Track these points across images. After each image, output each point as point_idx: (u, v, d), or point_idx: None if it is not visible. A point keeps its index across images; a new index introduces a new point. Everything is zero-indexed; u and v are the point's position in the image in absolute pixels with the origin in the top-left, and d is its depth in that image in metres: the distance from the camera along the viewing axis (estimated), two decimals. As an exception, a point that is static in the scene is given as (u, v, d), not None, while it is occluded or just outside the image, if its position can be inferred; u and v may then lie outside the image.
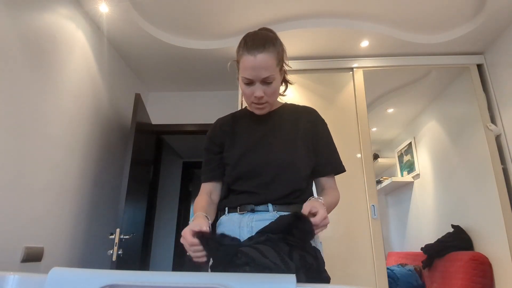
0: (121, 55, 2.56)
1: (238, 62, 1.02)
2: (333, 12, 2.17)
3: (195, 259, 0.82)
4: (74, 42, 2.00)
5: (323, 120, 1.10)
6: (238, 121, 1.12)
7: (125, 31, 2.28)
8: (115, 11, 2.10)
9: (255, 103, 1.02)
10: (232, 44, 2.41)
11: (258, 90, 0.97)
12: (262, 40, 0.96)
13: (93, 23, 2.20)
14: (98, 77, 2.27)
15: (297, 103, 1.17)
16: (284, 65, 1.05)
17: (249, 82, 0.97)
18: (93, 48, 2.21)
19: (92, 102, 2.20)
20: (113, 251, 1.91)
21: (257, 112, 1.05)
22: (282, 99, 1.15)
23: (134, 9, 2.14)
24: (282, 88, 1.10)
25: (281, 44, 1.04)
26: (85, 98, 2.12)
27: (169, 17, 2.22)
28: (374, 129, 3.47)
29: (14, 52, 1.55)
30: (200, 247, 0.81)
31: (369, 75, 2.51)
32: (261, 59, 0.93)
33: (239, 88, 2.54)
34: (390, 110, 3.16)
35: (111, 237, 1.95)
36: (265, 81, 0.96)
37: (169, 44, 2.40)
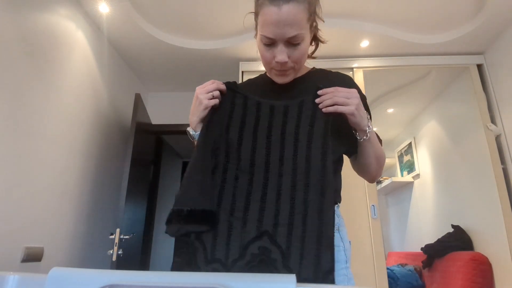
0: (121, 55, 2.55)
1: (256, 15, 0.80)
2: (333, 12, 2.17)
3: (208, 98, 0.77)
4: (74, 42, 2.00)
5: (359, 90, 0.88)
6: (254, 91, 0.91)
7: (125, 31, 2.28)
8: (115, 11, 2.10)
9: (276, 70, 0.83)
10: (232, 44, 2.41)
11: (281, 54, 0.77)
12: None
13: (93, 23, 2.20)
14: (98, 77, 2.27)
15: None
16: (316, 19, 0.85)
17: (270, 43, 0.77)
18: (93, 48, 2.21)
19: (92, 102, 2.20)
20: (113, 251, 1.91)
21: (278, 80, 0.86)
22: (308, 63, 0.96)
23: (134, 9, 2.14)
24: (311, 48, 0.91)
25: None
26: (85, 98, 2.12)
27: (169, 17, 2.22)
28: (374, 129, 3.46)
29: (14, 52, 1.55)
30: (217, 92, 0.78)
31: (369, 75, 2.51)
32: (288, 12, 0.71)
33: (239, 78, 2.56)
34: (390, 110, 3.17)
35: (111, 237, 1.95)
36: (291, 42, 0.76)
37: (169, 44, 2.40)
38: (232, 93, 0.84)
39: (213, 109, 0.81)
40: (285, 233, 0.72)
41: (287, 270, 0.68)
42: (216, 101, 0.79)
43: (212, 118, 0.82)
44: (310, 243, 0.71)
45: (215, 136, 0.81)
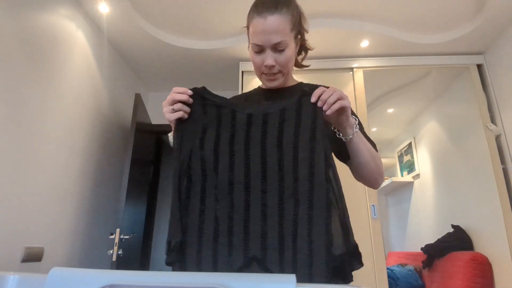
0: (121, 55, 2.55)
1: (248, 28, 0.92)
2: (333, 12, 2.17)
3: (170, 112, 0.75)
4: (74, 42, 2.00)
5: None
6: (249, 101, 1.00)
7: (125, 31, 2.28)
8: (115, 11, 2.10)
9: (266, 74, 0.91)
10: (232, 44, 2.41)
11: (269, 58, 0.86)
12: (274, 1, 0.85)
13: (93, 23, 2.20)
14: (98, 77, 2.27)
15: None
16: (302, 30, 0.95)
17: (259, 50, 0.87)
18: (93, 48, 2.21)
19: (92, 102, 2.20)
20: (113, 251, 1.91)
21: (268, 84, 0.93)
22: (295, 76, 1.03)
23: (134, 9, 2.14)
24: (301, 57, 1.00)
25: (297, 7, 0.94)
26: (85, 98, 2.12)
27: (169, 17, 2.22)
28: (374, 129, 3.47)
29: (14, 52, 1.55)
30: (186, 97, 0.74)
31: (369, 75, 2.52)
32: (272, 22, 0.83)
33: (239, 87, 2.56)
34: (390, 110, 3.17)
35: (111, 237, 1.95)
36: (277, 48, 0.85)
37: (169, 44, 2.40)
38: (203, 101, 0.78)
39: (182, 121, 0.76)
40: (276, 257, 0.67)
41: None
42: (179, 114, 0.75)
43: (182, 132, 0.76)
44: (301, 266, 0.66)
45: (188, 151, 0.75)
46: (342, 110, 0.76)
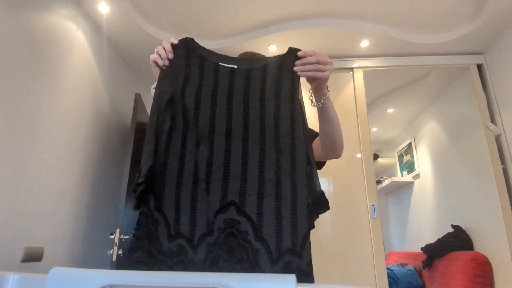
0: (121, 55, 2.55)
1: None
2: (333, 12, 2.17)
3: (156, 58, 0.80)
4: (74, 42, 2.00)
5: None
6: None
7: (125, 31, 2.28)
8: (115, 11, 2.10)
9: None
10: (232, 44, 2.41)
11: None
12: None
13: (93, 23, 2.20)
14: (98, 77, 2.27)
15: None
16: None
17: None
18: (93, 48, 2.21)
19: (92, 102, 2.20)
20: (113, 251, 1.91)
21: None
22: None
23: (134, 9, 2.14)
24: None
25: None
26: (85, 98, 2.12)
27: (169, 17, 2.22)
28: (374, 129, 3.47)
29: (14, 52, 1.55)
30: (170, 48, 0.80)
31: (369, 75, 2.51)
32: None
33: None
34: (390, 110, 3.17)
35: (111, 237, 1.95)
36: None
37: (169, 44, 2.40)
38: (188, 52, 0.83)
39: (166, 67, 0.81)
40: (255, 202, 0.68)
41: (261, 241, 0.65)
42: (157, 57, 0.81)
43: (164, 75, 0.80)
44: (285, 211, 0.67)
45: (170, 95, 0.78)
46: (316, 79, 0.81)
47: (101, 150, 2.29)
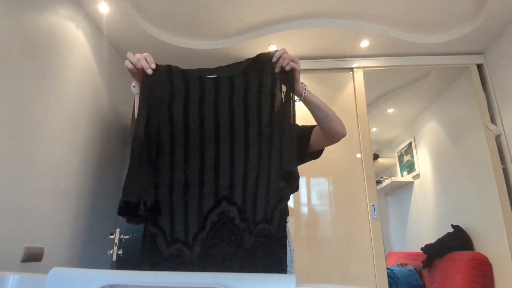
0: (121, 55, 2.55)
1: None
2: (333, 12, 2.17)
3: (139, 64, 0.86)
4: (74, 42, 2.00)
5: None
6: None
7: (125, 31, 2.28)
8: (115, 11, 2.10)
9: None
10: (232, 44, 2.41)
11: None
12: None
13: (93, 23, 2.20)
14: (98, 77, 2.27)
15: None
16: None
17: None
18: (93, 48, 2.21)
19: (92, 102, 2.20)
20: (113, 251, 1.91)
21: None
22: None
23: (134, 9, 2.14)
24: None
25: None
26: (85, 98, 2.12)
27: (169, 17, 2.22)
28: (374, 129, 3.47)
29: (14, 52, 1.55)
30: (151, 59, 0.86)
31: (369, 75, 2.51)
32: None
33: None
34: (390, 110, 3.17)
35: (111, 237, 1.95)
36: None
37: (170, 44, 2.40)
38: (168, 68, 0.90)
39: (147, 78, 0.87)
40: (240, 192, 0.78)
41: (244, 221, 0.76)
42: (140, 61, 0.88)
43: (147, 100, 0.86)
44: (261, 192, 0.78)
45: (156, 114, 0.84)
46: (293, 71, 0.90)
47: (101, 150, 2.29)
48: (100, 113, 2.30)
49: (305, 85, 0.98)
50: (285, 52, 0.91)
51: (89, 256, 2.11)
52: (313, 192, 2.27)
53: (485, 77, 2.39)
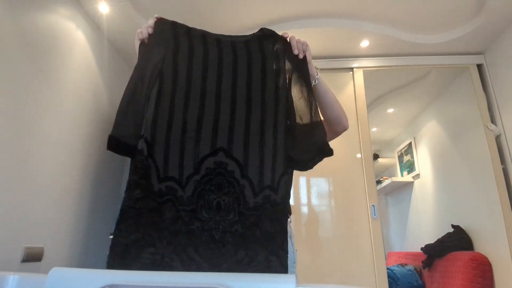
0: (121, 55, 2.55)
1: None
2: (333, 12, 2.17)
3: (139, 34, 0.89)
4: (74, 42, 2.00)
5: None
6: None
7: (125, 31, 2.28)
8: (115, 11, 2.09)
9: None
10: (232, 44, 2.41)
11: None
12: None
13: (93, 23, 2.20)
14: (98, 77, 2.27)
15: None
16: None
17: None
18: (93, 48, 2.21)
19: (92, 102, 2.20)
20: (113, 251, 1.91)
21: None
22: None
23: (134, 9, 2.14)
24: None
25: None
26: (85, 98, 2.12)
27: (169, 17, 2.22)
28: (374, 129, 3.47)
29: (14, 52, 1.55)
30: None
31: (369, 75, 2.51)
32: None
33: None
34: (390, 110, 3.17)
35: (111, 237, 1.95)
36: None
37: (169, 44, 2.40)
38: (172, 25, 0.92)
39: (148, 38, 0.92)
40: (241, 149, 0.80)
41: (246, 179, 0.77)
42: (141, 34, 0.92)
43: (151, 47, 0.90)
44: (267, 157, 0.80)
45: (160, 62, 0.87)
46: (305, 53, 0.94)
47: (101, 150, 2.29)
48: (100, 113, 2.30)
49: (317, 68, 0.99)
50: (288, 35, 0.94)
51: (89, 256, 2.11)
52: (313, 192, 2.27)
53: (485, 77, 2.39)
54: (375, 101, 2.92)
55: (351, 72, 2.51)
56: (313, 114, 0.87)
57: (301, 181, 2.30)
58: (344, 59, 2.53)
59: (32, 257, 1.61)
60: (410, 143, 3.33)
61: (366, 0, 2.06)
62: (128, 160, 2.16)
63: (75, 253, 1.98)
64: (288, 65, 0.91)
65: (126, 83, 0.90)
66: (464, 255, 2.18)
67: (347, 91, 2.46)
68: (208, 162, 0.78)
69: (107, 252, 0.72)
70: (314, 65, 1.00)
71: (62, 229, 1.87)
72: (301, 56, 0.93)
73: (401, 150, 3.55)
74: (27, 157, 1.61)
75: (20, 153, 1.57)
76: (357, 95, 2.43)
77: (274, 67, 0.89)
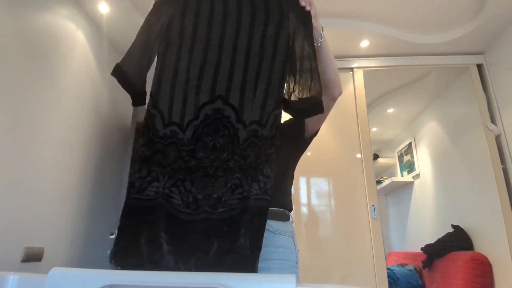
0: (121, 55, 2.55)
1: None
2: (333, 12, 2.17)
3: None
4: (74, 42, 2.00)
5: None
6: None
7: (125, 31, 2.28)
8: (115, 11, 2.09)
9: None
10: (232, 44, 2.41)
11: None
12: None
13: (93, 23, 2.20)
14: (98, 77, 2.27)
15: None
16: None
17: None
18: (93, 48, 2.21)
19: (92, 102, 2.20)
20: (113, 251, 1.91)
21: None
22: None
23: (134, 9, 2.14)
24: None
25: None
26: (85, 98, 2.12)
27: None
28: (374, 129, 3.47)
29: (14, 52, 1.55)
30: None
31: (369, 75, 2.51)
32: None
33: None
34: (390, 110, 3.17)
35: (111, 237, 1.95)
36: None
37: (169, 44, 2.40)
38: None
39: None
40: (238, 96, 0.87)
41: (241, 123, 0.84)
42: None
43: (161, 3, 0.95)
44: (258, 97, 0.86)
45: (166, 18, 0.94)
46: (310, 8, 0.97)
47: (101, 150, 2.29)
48: (100, 113, 2.30)
49: (322, 26, 1.01)
50: None
51: (89, 256, 2.11)
52: (313, 192, 2.28)
53: (485, 77, 2.39)
54: (375, 101, 2.92)
55: (351, 72, 2.51)
56: (313, 73, 0.90)
57: (301, 181, 2.30)
58: (344, 59, 2.53)
59: (32, 257, 1.61)
60: (410, 143, 3.33)
61: (366, 0, 2.06)
62: (128, 160, 2.16)
63: (75, 253, 1.98)
64: (292, 18, 0.94)
65: (126, 83, 0.93)
66: (464, 255, 2.18)
67: (347, 91, 2.46)
68: (207, 109, 0.86)
69: (108, 252, 0.74)
70: (320, 23, 1.02)
71: (62, 229, 1.87)
72: (308, 8, 0.95)
73: (401, 150, 3.55)
74: (27, 157, 1.61)
75: (20, 153, 1.57)
76: (357, 95, 2.43)
77: (277, 19, 0.93)
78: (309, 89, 0.89)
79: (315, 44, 0.98)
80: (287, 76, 0.90)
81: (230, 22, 0.92)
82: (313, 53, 0.91)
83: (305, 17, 0.96)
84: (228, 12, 0.93)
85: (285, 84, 0.90)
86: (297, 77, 0.91)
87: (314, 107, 0.88)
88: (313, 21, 0.97)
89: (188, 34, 0.91)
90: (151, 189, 0.80)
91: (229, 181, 0.80)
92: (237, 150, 0.82)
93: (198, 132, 0.84)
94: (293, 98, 0.91)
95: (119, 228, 0.78)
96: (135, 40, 0.96)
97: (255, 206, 0.76)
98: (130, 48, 0.95)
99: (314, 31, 0.97)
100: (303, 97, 0.89)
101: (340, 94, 1.10)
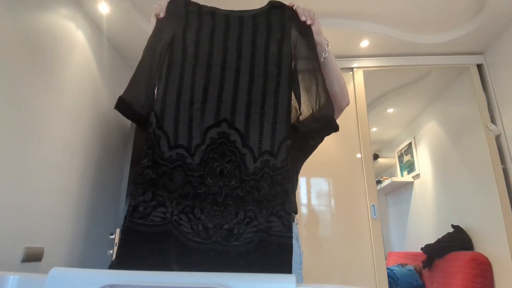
0: (121, 55, 2.55)
1: None
2: (333, 12, 2.17)
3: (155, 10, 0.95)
4: (74, 42, 2.00)
5: None
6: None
7: (125, 31, 2.28)
8: (115, 11, 2.09)
9: None
10: (232, 44, 2.41)
11: None
12: None
13: (93, 23, 2.20)
14: (98, 77, 2.27)
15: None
16: None
17: None
18: (93, 48, 2.21)
19: (92, 102, 2.20)
20: (113, 251, 1.91)
21: None
22: None
23: (134, 9, 2.14)
24: None
25: None
26: (85, 98, 2.12)
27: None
28: (374, 129, 3.47)
29: (14, 52, 1.55)
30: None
31: (369, 75, 2.51)
32: None
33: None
34: (390, 110, 3.17)
35: (111, 237, 1.95)
36: None
37: (169, 44, 2.40)
38: (185, 5, 0.97)
39: (163, 17, 0.95)
40: (243, 119, 0.85)
41: (247, 148, 0.83)
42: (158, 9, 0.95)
43: (163, 23, 0.94)
44: (267, 123, 0.84)
45: (171, 36, 0.92)
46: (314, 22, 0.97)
47: (101, 150, 2.29)
48: (100, 113, 2.30)
49: (327, 41, 1.00)
50: (294, 5, 0.96)
51: (89, 256, 2.11)
52: (313, 192, 2.27)
53: (485, 77, 2.39)
54: (375, 101, 2.92)
55: (351, 72, 2.51)
56: (319, 88, 0.89)
57: (301, 181, 2.30)
58: (344, 59, 2.53)
59: (32, 257, 1.61)
60: (410, 143, 3.33)
61: (366, 0, 2.06)
62: (128, 159, 2.16)
63: (75, 253, 1.98)
64: (294, 34, 0.93)
65: (126, 83, 0.90)
66: (464, 255, 2.18)
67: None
68: (212, 132, 0.83)
69: (108, 252, 0.73)
70: (325, 37, 1.00)
71: (62, 229, 1.87)
72: (308, 22, 0.94)
73: (401, 150, 3.55)
74: (27, 157, 1.61)
75: (20, 153, 1.57)
76: (357, 95, 2.43)
77: (279, 36, 0.92)
78: (319, 106, 0.88)
79: (323, 55, 0.99)
80: (294, 98, 0.89)
81: (232, 41, 0.91)
82: (318, 67, 0.90)
83: (307, 33, 0.95)
84: (230, 30, 0.92)
85: (292, 109, 0.88)
86: (304, 97, 0.89)
87: (326, 125, 0.86)
88: (318, 36, 0.97)
89: (190, 54, 0.90)
90: (156, 214, 0.76)
91: (241, 211, 0.77)
92: (245, 178, 0.80)
93: (205, 157, 0.82)
94: (302, 119, 0.89)
95: (120, 256, 0.73)
96: (139, 65, 0.91)
97: (279, 242, 0.73)
98: (135, 74, 0.90)
99: (318, 47, 0.96)
100: (314, 116, 0.88)
101: (347, 105, 1.10)
